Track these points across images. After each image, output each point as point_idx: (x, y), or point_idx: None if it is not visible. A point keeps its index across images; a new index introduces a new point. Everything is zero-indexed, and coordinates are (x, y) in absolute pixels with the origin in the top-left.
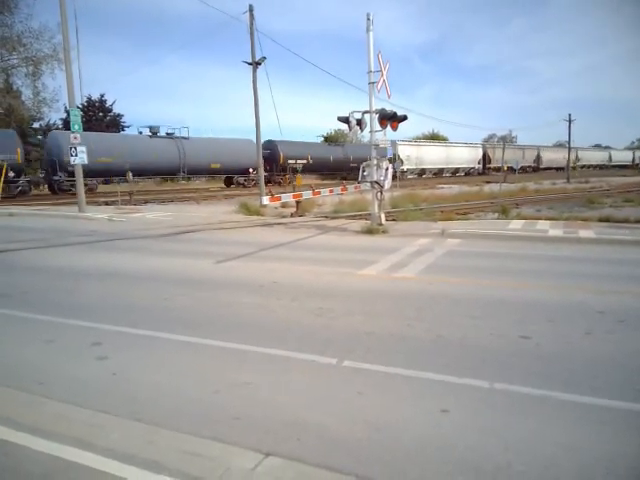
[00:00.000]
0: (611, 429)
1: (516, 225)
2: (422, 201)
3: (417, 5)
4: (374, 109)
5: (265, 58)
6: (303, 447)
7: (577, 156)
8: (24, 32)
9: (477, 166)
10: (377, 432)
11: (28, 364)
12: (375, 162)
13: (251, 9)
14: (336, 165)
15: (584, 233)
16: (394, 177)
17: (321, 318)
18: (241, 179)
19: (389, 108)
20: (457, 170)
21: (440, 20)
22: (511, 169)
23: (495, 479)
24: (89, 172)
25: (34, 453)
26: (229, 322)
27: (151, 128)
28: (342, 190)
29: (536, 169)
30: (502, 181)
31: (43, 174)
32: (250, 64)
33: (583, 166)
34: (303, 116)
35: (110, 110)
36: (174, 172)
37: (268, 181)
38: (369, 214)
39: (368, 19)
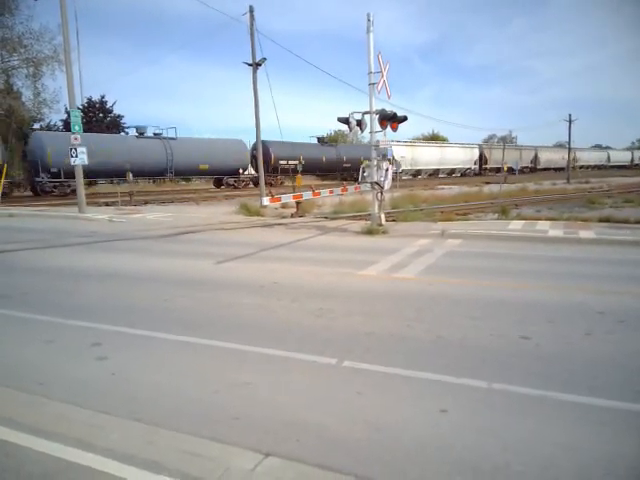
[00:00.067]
0: (610, 429)
1: (516, 226)
2: (422, 202)
3: (417, 5)
4: (374, 110)
5: (265, 59)
6: (303, 447)
7: (575, 156)
8: (25, 33)
9: (473, 167)
10: (376, 432)
11: (28, 364)
12: (375, 163)
13: (251, 10)
14: (329, 166)
15: (584, 234)
16: (393, 179)
17: (321, 319)
18: (231, 180)
19: (389, 109)
20: (453, 171)
21: (440, 20)
22: (511, 170)
23: (494, 479)
24: (71, 173)
25: (35, 453)
26: (229, 323)
27: (138, 128)
28: (342, 191)
29: (533, 170)
30: (502, 182)
31: (23, 175)
32: (250, 65)
33: (581, 166)
34: (303, 117)
35: (110, 111)
36: (161, 173)
37: (258, 183)
38: (369, 215)
39: (368, 20)
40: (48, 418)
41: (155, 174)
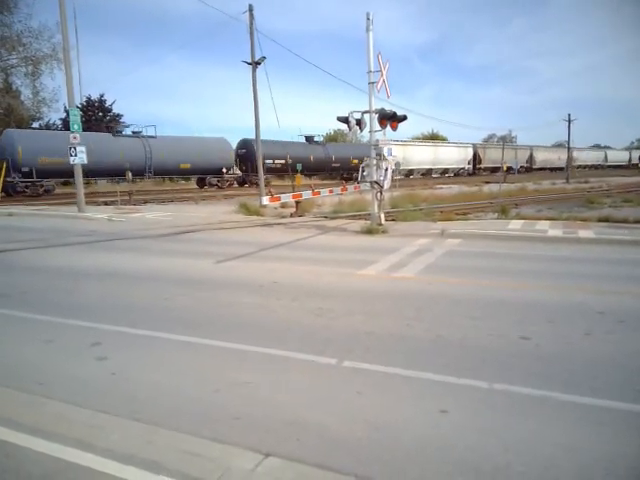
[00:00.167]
0: (611, 430)
1: (515, 225)
2: (421, 201)
3: (417, 5)
4: (374, 109)
5: (265, 58)
6: (303, 447)
7: (572, 156)
8: (23, 32)
9: (467, 166)
10: (377, 432)
11: (27, 364)
12: (375, 162)
13: (251, 9)
14: (317, 165)
15: (583, 233)
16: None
17: (321, 318)
18: (214, 180)
19: (389, 108)
20: (446, 171)
21: (440, 20)
22: (510, 169)
23: (495, 479)
24: (44, 172)
25: (34, 454)
26: (229, 322)
27: (116, 127)
28: (342, 190)
29: (529, 169)
30: (502, 181)
31: None
32: (250, 64)
33: (579, 166)
34: (303, 116)
35: (110, 110)
36: (140, 172)
37: (244, 182)
38: (369, 214)
39: (368, 19)
40: (48, 418)
41: (133, 174)
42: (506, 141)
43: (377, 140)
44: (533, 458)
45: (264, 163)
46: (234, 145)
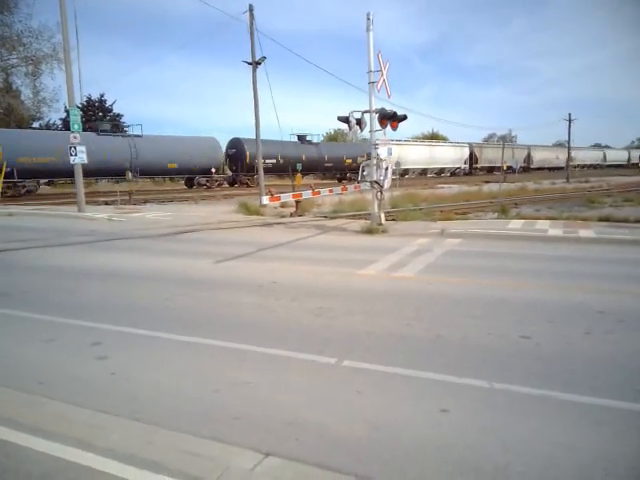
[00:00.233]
0: (611, 429)
1: (516, 225)
2: (421, 201)
3: (417, 5)
4: (374, 109)
5: (265, 58)
6: (303, 446)
7: (570, 155)
8: (24, 31)
9: (463, 166)
10: (377, 431)
11: (28, 364)
12: (375, 162)
13: (251, 9)
14: (309, 165)
15: (584, 233)
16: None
17: (321, 318)
18: (203, 180)
19: (389, 108)
20: (442, 170)
21: (440, 20)
22: (510, 169)
23: (495, 479)
24: (26, 172)
25: (34, 453)
26: (229, 322)
27: (100, 124)
28: (342, 190)
29: (526, 169)
30: (502, 181)
31: None
32: (250, 64)
33: (577, 166)
34: (303, 116)
35: (110, 110)
36: (122, 172)
37: (234, 182)
38: (369, 214)
39: (368, 19)
40: (48, 418)
41: (118, 174)
42: (506, 141)
43: (377, 140)
44: (533, 458)
45: (254, 163)
46: (224, 145)
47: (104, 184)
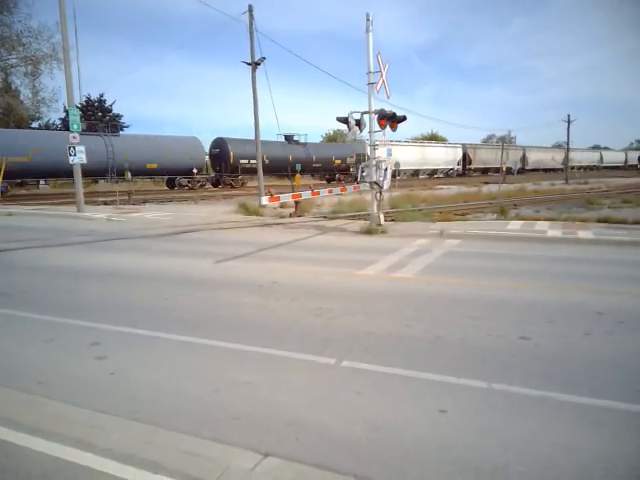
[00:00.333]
0: (610, 430)
1: (515, 226)
2: (421, 202)
3: (417, 5)
4: (373, 109)
5: (264, 58)
6: (302, 447)
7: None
8: (23, 31)
9: (456, 167)
10: (376, 432)
11: (27, 364)
12: (374, 163)
13: (250, 9)
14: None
15: (583, 234)
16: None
17: (320, 318)
18: (184, 180)
19: (388, 109)
20: (435, 171)
21: (440, 20)
22: (509, 170)
23: (494, 479)
24: None
25: (34, 453)
26: (229, 322)
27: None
28: (341, 191)
29: (521, 170)
30: (501, 182)
31: None
32: (249, 64)
33: (573, 167)
34: (302, 116)
35: (110, 110)
36: (102, 173)
37: (217, 183)
38: (368, 214)
39: (368, 19)
40: (47, 418)
41: (94, 174)
42: (505, 142)
43: (376, 141)
44: (532, 458)
45: (238, 163)
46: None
47: (103, 184)
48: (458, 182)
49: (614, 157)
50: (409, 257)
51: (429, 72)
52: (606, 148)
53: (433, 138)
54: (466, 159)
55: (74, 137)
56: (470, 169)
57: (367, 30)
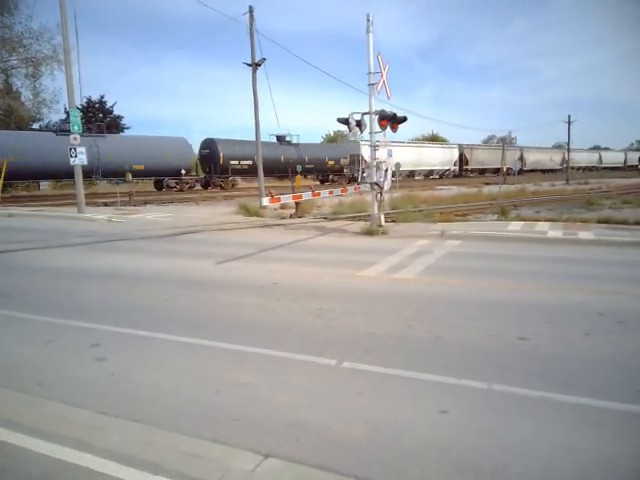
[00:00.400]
0: (610, 430)
1: (515, 227)
2: (421, 202)
3: (417, 5)
4: (374, 110)
5: (265, 59)
6: (303, 448)
7: (564, 157)
8: (24, 33)
9: (453, 168)
10: (377, 433)
11: (27, 364)
12: (375, 164)
13: (251, 10)
14: (289, 166)
15: (583, 234)
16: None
17: (321, 319)
18: (172, 182)
19: (389, 109)
20: (431, 172)
21: (440, 20)
22: (510, 171)
23: None
24: None
25: (34, 454)
26: (229, 323)
27: (61, 124)
28: (342, 192)
29: (519, 171)
30: (501, 182)
31: None
32: (250, 65)
33: (572, 168)
34: (303, 117)
35: (110, 112)
36: (87, 174)
37: (207, 184)
38: (368, 215)
39: (368, 20)
40: (47, 419)
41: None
42: (506, 142)
43: (377, 142)
44: (532, 459)
45: (229, 164)
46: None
47: (104, 185)
48: (458, 183)
49: (613, 158)
50: (410, 258)
51: (429, 72)
52: (607, 149)
53: (434, 139)
54: (462, 160)
55: (75, 138)
56: (467, 170)
57: (367, 30)
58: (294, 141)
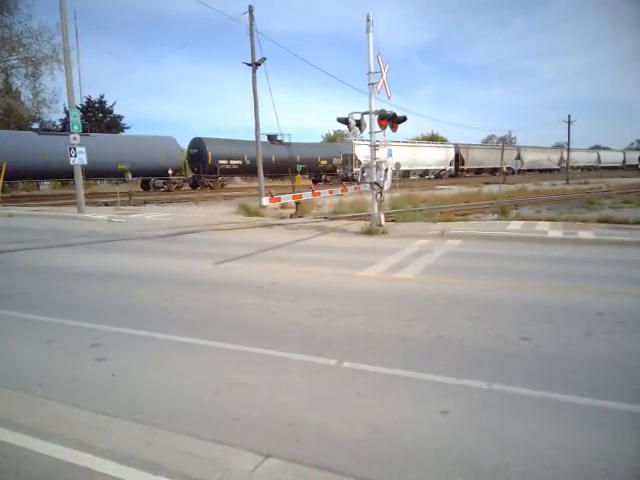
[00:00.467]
0: (611, 430)
1: (515, 226)
2: (421, 202)
3: (417, 5)
4: (374, 110)
5: (265, 59)
6: (303, 448)
7: (562, 157)
8: (24, 32)
9: (449, 168)
10: (377, 433)
11: (27, 365)
12: (375, 163)
13: (251, 10)
14: (280, 166)
15: (583, 234)
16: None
17: (321, 319)
18: (159, 182)
19: (389, 109)
20: (426, 172)
21: (440, 20)
22: (510, 170)
23: None
24: None
25: (34, 454)
26: (229, 323)
27: (42, 124)
28: (342, 191)
29: (511, 171)
30: (501, 182)
31: None
32: (250, 65)
33: (570, 167)
34: (303, 116)
35: (110, 112)
36: (69, 175)
37: (196, 184)
38: (368, 215)
39: (368, 20)
40: (47, 419)
41: (61, 176)
42: (506, 142)
43: (377, 141)
44: (532, 459)
45: (217, 164)
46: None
47: (104, 185)
48: (457, 182)
49: (612, 157)
50: (410, 258)
51: (429, 72)
52: (606, 148)
53: (433, 138)
54: (458, 159)
55: (74, 138)
56: (463, 170)
57: (367, 30)
58: (286, 140)
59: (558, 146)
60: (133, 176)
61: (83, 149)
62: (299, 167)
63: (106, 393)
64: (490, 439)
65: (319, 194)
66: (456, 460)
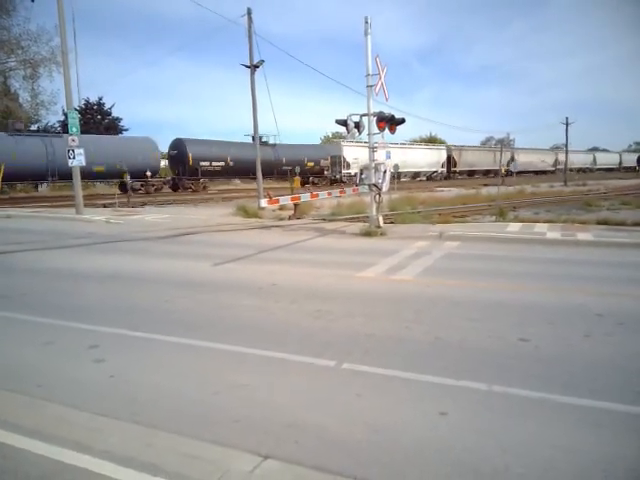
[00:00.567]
0: (610, 431)
1: (514, 228)
2: (420, 204)
3: (416, 7)
4: (372, 112)
5: (263, 61)
6: (302, 449)
7: (557, 159)
8: (22, 35)
9: (441, 170)
10: (376, 434)
11: (27, 366)
12: (373, 165)
13: (249, 12)
14: (264, 168)
15: (582, 236)
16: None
17: (320, 320)
18: (137, 184)
19: (387, 111)
20: (417, 174)
21: (439, 22)
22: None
23: None
24: None
25: (32, 456)
26: (229, 324)
27: (14, 124)
28: (340, 193)
29: (509, 173)
30: (500, 184)
31: None
32: (248, 67)
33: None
34: (301, 118)
35: (109, 113)
36: (42, 176)
37: (176, 187)
38: (367, 217)
39: (366, 22)
40: (47, 420)
41: (33, 177)
42: (504, 144)
43: (375, 143)
44: (532, 460)
45: (198, 166)
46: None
47: (102, 187)
48: (454, 185)
49: (608, 159)
50: (408, 259)
51: (428, 74)
52: (604, 150)
53: (432, 140)
54: (450, 161)
55: (73, 140)
56: (455, 172)
57: (366, 33)
58: (271, 141)
59: (555, 148)
60: (109, 178)
61: (82, 151)
62: (297, 169)
63: (105, 394)
64: (489, 440)
65: (317, 196)
66: (455, 461)
